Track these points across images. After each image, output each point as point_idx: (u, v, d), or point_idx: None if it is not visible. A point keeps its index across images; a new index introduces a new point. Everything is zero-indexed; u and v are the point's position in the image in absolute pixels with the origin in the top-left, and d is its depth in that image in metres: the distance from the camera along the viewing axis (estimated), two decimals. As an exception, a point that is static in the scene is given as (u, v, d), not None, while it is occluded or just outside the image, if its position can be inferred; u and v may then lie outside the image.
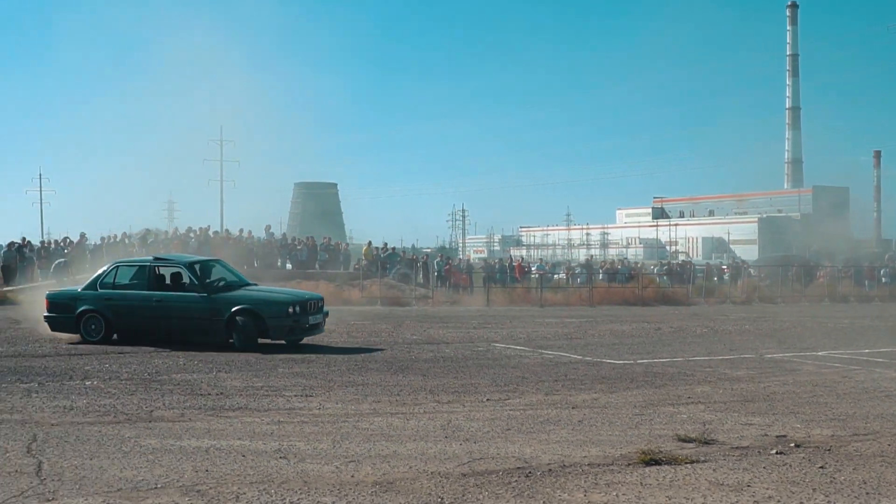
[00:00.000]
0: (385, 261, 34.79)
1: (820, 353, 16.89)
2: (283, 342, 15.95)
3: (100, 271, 16.93)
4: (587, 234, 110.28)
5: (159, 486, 6.62)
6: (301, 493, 6.50)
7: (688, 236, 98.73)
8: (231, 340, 15.43)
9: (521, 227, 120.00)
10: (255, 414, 9.78)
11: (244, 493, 6.43)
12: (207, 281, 16.26)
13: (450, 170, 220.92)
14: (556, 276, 41.43)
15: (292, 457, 7.67)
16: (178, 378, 12.27)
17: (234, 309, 15.46)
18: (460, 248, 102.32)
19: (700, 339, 19.93)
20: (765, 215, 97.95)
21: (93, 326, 16.05)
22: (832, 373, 14.10)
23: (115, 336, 16.20)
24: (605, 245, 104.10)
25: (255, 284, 17.54)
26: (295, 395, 11.01)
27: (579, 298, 33.69)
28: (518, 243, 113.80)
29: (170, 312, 15.80)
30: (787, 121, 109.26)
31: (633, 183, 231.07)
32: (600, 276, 39.66)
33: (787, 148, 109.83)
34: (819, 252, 58.99)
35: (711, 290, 38.58)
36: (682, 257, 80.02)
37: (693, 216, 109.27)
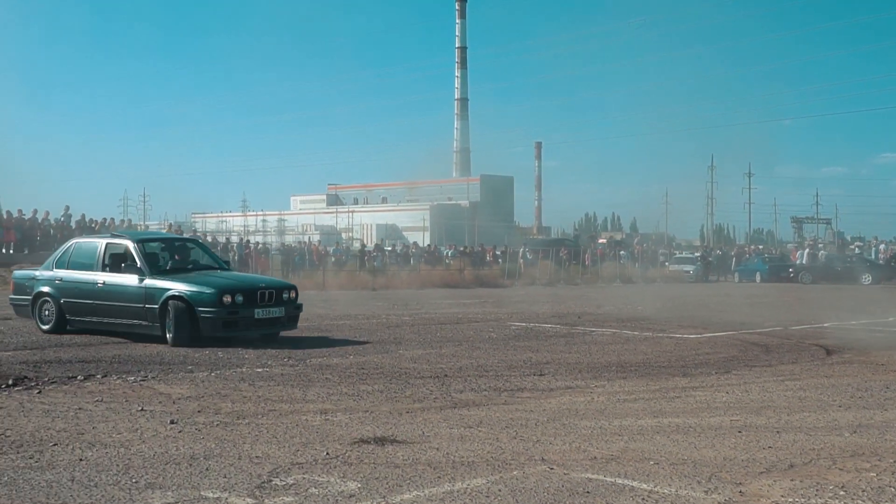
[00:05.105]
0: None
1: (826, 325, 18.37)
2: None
3: None
4: (263, 221, 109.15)
5: (698, 463, 6.39)
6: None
7: (363, 223, 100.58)
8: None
9: (193, 214, 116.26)
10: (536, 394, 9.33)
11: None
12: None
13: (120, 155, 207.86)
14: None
15: (739, 431, 7.58)
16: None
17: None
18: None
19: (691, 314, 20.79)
20: (436, 203, 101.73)
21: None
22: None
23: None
24: (281, 231, 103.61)
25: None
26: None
27: (401, 281, 33.93)
28: (192, 230, 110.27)
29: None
30: (455, 111, 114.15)
31: (308, 171, 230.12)
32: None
33: (455, 138, 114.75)
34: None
35: (514, 272, 39.88)
36: (356, 244, 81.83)
37: (367, 203, 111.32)
